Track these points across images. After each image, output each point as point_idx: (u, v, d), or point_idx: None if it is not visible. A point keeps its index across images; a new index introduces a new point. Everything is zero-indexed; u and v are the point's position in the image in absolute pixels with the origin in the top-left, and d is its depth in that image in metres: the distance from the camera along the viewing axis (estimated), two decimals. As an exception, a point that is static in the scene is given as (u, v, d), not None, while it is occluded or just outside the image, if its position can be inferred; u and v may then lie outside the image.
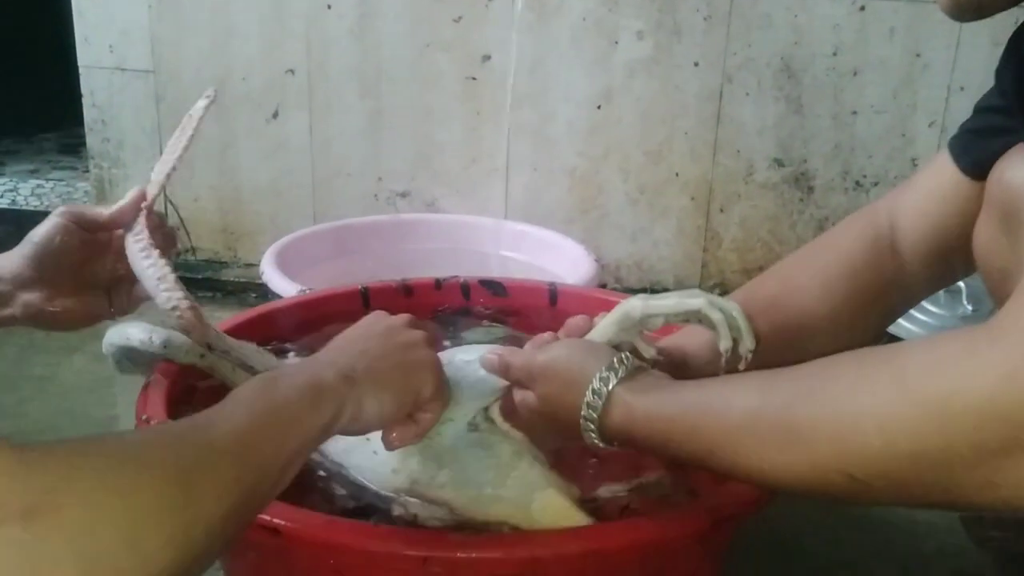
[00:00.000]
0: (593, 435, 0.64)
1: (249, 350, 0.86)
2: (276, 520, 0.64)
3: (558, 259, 1.53)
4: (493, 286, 1.18)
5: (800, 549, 1.00)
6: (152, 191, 0.74)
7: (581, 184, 1.68)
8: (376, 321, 0.68)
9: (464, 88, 1.65)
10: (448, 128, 1.68)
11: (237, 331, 0.95)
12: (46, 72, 2.28)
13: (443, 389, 0.67)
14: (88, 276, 0.83)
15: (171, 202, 1.78)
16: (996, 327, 0.47)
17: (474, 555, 0.63)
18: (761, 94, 1.58)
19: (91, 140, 1.77)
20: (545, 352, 0.69)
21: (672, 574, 0.73)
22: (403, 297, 1.15)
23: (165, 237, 0.77)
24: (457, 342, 1.08)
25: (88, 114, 1.75)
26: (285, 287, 1.28)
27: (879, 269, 0.77)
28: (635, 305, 0.70)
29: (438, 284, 1.17)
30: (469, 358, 0.74)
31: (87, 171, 1.88)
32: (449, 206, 1.73)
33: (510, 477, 0.70)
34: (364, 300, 1.13)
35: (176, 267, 1.80)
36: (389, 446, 0.65)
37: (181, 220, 1.79)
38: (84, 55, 1.71)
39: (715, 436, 0.57)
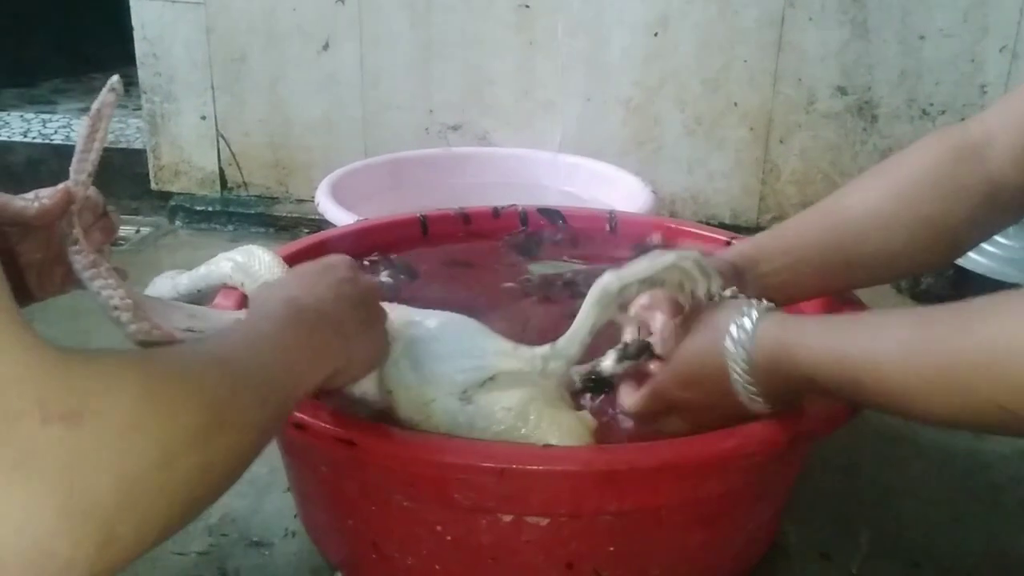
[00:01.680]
0: (751, 389, 0.63)
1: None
2: (351, 432, 0.64)
3: (613, 192, 1.51)
4: (551, 214, 1.16)
5: (867, 477, 0.99)
6: (80, 192, 0.70)
7: (636, 115, 1.64)
8: (336, 266, 0.66)
9: (517, 16, 1.62)
10: (500, 59, 1.65)
11: (296, 258, 0.95)
12: (93, 11, 2.28)
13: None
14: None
15: (223, 136, 1.78)
16: None
17: (551, 468, 0.63)
18: (824, 18, 1.53)
19: (142, 74, 1.77)
20: (665, 370, 0.70)
21: (748, 490, 0.72)
22: (462, 224, 1.14)
23: (104, 230, 0.74)
24: (522, 272, 1.07)
25: (139, 48, 1.74)
26: (342, 217, 1.28)
27: (959, 181, 0.74)
28: (610, 280, 0.67)
29: (496, 212, 1.16)
30: (433, 324, 0.72)
31: (138, 108, 1.88)
32: (501, 139, 1.71)
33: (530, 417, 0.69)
34: (423, 228, 1.12)
35: (229, 202, 1.81)
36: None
37: (233, 155, 1.79)
38: (135, -13, 1.70)
39: (864, 365, 0.57)
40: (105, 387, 0.36)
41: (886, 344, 0.57)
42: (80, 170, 0.73)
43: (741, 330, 0.63)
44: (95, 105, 0.69)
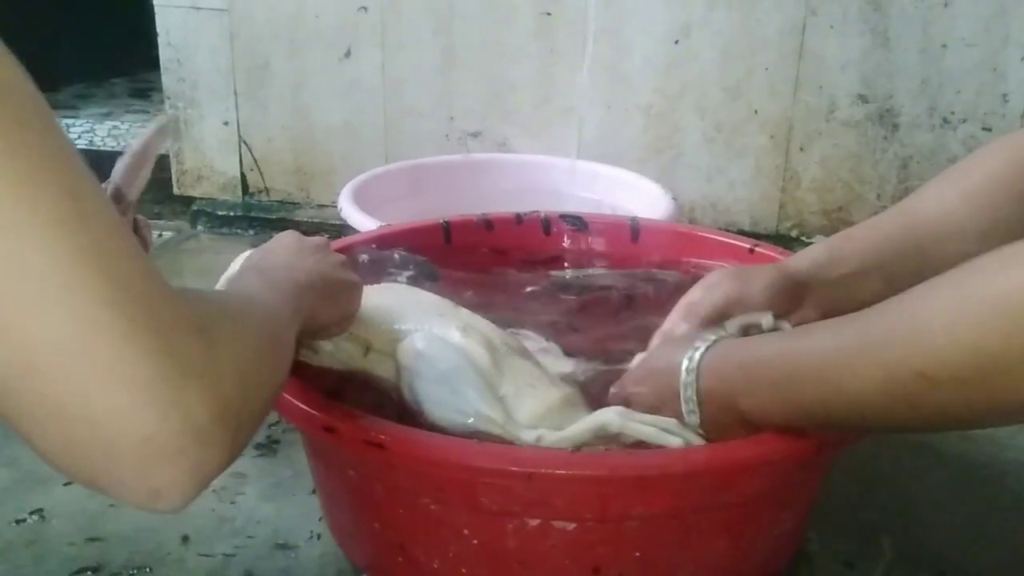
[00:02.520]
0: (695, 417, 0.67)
1: None
2: (380, 435, 0.65)
3: (634, 198, 1.51)
4: (574, 220, 1.17)
5: (891, 487, 0.99)
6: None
7: (656, 122, 1.65)
8: (303, 239, 0.74)
9: (538, 24, 1.63)
10: (521, 66, 1.66)
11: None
12: (115, 16, 2.30)
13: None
14: None
15: (245, 142, 1.79)
16: None
17: (579, 472, 0.63)
18: (846, 27, 1.53)
19: (166, 80, 1.78)
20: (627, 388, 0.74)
21: (774, 498, 0.73)
22: (484, 231, 1.15)
23: (142, 243, 0.79)
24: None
25: (163, 53, 1.76)
26: (364, 223, 1.29)
27: None
28: (612, 421, 0.69)
29: (519, 219, 1.17)
30: (437, 366, 0.75)
31: (159, 113, 1.90)
32: (520, 146, 1.72)
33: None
34: (446, 234, 1.13)
35: (251, 207, 1.83)
36: None
37: (255, 160, 1.80)
38: (159, -6, 1.72)
39: (801, 364, 0.61)
40: (213, 308, 0.45)
41: (814, 338, 0.62)
42: (136, 188, 0.77)
43: (696, 350, 0.67)
44: (140, 143, 0.72)
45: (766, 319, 0.73)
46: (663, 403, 0.69)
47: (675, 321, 0.79)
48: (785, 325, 0.75)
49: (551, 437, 0.67)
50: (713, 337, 0.68)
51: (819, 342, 0.61)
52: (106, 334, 0.36)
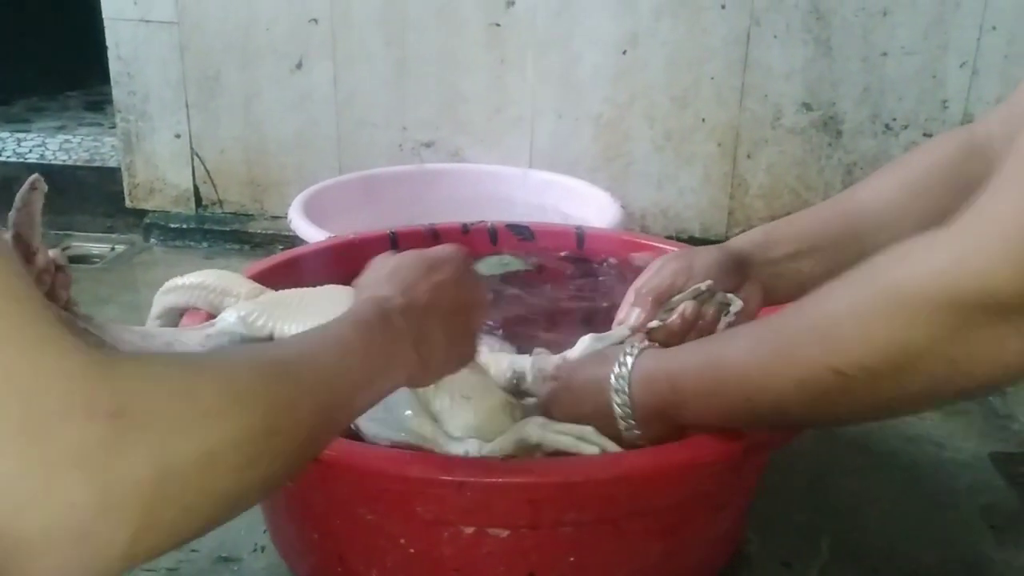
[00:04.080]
0: (628, 418, 0.68)
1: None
2: (314, 447, 0.65)
3: (584, 207, 1.53)
4: (520, 230, 1.18)
5: (830, 486, 1.01)
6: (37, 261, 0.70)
7: (606, 131, 1.67)
8: (442, 266, 0.63)
9: (488, 35, 1.64)
10: (473, 76, 1.68)
11: (265, 276, 0.96)
12: (68, 29, 2.28)
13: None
14: None
15: (197, 155, 1.79)
16: (957, 220, 0.50)
17: (508, 480, 0.64)
18: (789, 37, 1.56)
19: (117, 93, 1.78)
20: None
21: (706, 500, 0.74)
22: (431, 241, 1.15)
23: (64, 286, 0.73)
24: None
25: (113, 67, 1.75)
26: (313, 234, 1.29)
27: (965, 179, 0.76)
28: (532, 432, 0.70)
29: (465, 229, 1.18)
30: None
31: (113, 127, 1.89)
32: (474, 156, 1.73)
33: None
34: (393, 244, 1.13)
35: (204, 220, 1.82)
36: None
37: (208, 173, 1.80)
38: (108, 7, 1.71)
39: (725, 371, 0.63)
40: (149, 387, 0.38)
41: (735, 343, 0.64)
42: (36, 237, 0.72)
43: (623, 366, 0.69)
44: (17, 201, 0.69)
45: (706, 285, 0.76)
46: (600, 420, 0.70)
47: (627, 308, 0.81)
48: (734, 299, 0.78)
49: (477, 451, 0.69)
50: (636, 349, 0.69)
51: (741, 348, 0.63)
52: None
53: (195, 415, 0.40)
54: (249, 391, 0.43)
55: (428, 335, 0.59)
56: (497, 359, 0.85)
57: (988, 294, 0.47)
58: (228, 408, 0.41)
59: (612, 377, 0.68)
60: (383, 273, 0.62)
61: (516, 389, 0.82)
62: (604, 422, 0.69)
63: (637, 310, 0.80)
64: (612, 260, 1.11)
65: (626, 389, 0.67)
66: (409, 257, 0.63)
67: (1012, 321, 0.48)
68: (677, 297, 0.78)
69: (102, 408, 0.36)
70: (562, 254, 1.14)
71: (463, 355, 0.65)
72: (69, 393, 0.35)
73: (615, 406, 0.68)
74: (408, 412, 0.70)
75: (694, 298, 0.78)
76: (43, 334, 0.35)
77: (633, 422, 0.68)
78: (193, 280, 0.88)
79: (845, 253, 0.79)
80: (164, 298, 0.91)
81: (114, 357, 0.38)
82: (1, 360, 0.34)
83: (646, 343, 0.71)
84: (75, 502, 0.35)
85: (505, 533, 0.67)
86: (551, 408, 0.74)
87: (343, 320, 0.55)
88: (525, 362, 0.83)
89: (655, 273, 0.82)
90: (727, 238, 1.66)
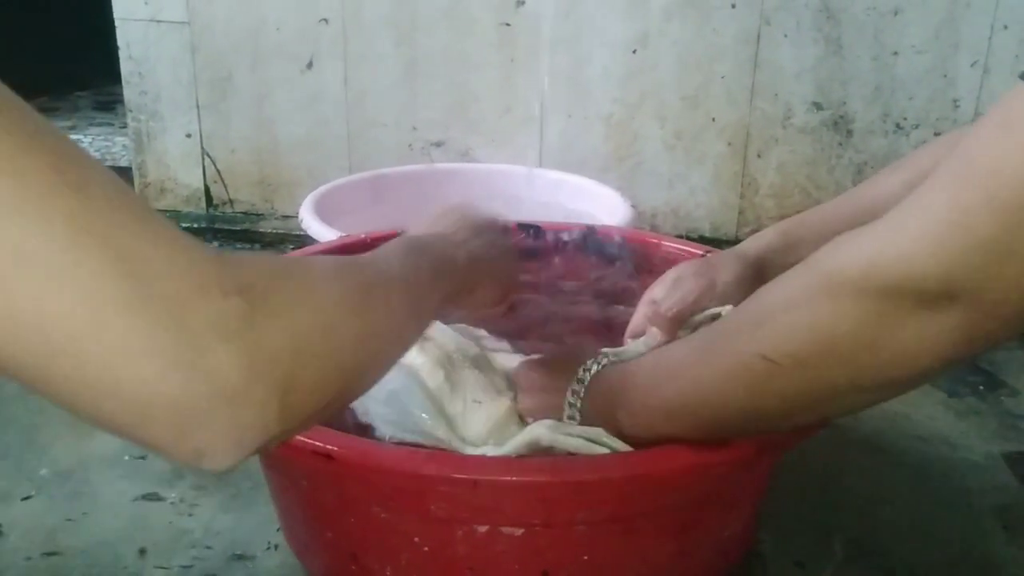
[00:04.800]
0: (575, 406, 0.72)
1: None
2: (329, 446, 0.66)
3: (594, 206, 1.53)
4: (530, 228, 1.18)
5: (841, 486, 1.01)
6: None
7: (616, 131, 1.67)
8: (476, 213, 0.73)
9: (499, 35, 1.64)
10: (483, 76, 1.68)
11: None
12: (78, 29, 2.30)
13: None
14: None
15: (208, 155, 1.79)
16: (891, 212, 0.50)
17: (522, 479, 0.64)
18: (800, 36, 1.56)
19: (128, 93, 1.78)
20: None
21: (719, 500, 0.74)
22: (442, 240, 1.16)
23: None
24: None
25: (124, 67, 1.76)
26: (324, 233, 1.29)
27: None
28: (543, 435, 0.72)
29: (476, 228, 1.18)
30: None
31: (124, 126, 1.90)
32: (484, 155, 1.73)
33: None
34: (404, 244, 1.14)
35: (215, 219, 1.83)
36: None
37: (219, 172, 1.80)
38: (119, 7, 1.72)
39: (663, 365, 0.65)
40: (267, 269, 0.42)
41: (681, 342, 0.66)
42: None
43: (575, 394, 0.71)
44: None
45: (726, 311, 0.76)
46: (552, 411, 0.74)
47: (642, 321, 0.82)
48: None
49: (491, 455, 0.69)
50: (603, 360, 0.72)
51: (683, 344, 0.64)
52: (116, 306, 0.35)
53: (311, 292, 0.44)
54: (348, 273, 0.49)
55: (477, 283, 0.67)
56: (512, 361, 0.86)
57: (911, 279, 0.47)
58: (335, 289, 0.46)
59: (569, 394, 0.71)
60: (441, 221, 0.70)
61: None
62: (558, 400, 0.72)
63: (655, 330, 0.80)
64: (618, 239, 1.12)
65: (579, 396, 0.71)
66: (463, 217, 0.71)
67: (940, 308, 0.47)
68: (697, 318, 0.78)
69: (233, 286, 0.39)
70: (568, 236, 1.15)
71: (495, 313, 0.73)
72: (202, 275, 0.38)
73: (565, 408, 0.71)
74: (424, 415, 0.71)
75: (712, 319, 0.77)
76: (165, 226, 0.38)
77: (577, 407, 0.71)
78: None
79: None
80: None
81: (221, 252, 0.42)
82: (134, 245, 0.36)
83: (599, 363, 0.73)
84: (225, 369, 0.38)
85: (519, 532, 0.67)
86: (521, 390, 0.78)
87: (420, 249, 0.61)
88: None
89: (674, 287, 0.82)
90: (737, 238, 1.68)
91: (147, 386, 0.36)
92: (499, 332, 0.95)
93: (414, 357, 0.76)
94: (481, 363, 0.82)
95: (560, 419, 0.70)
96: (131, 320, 0.36)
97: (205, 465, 0.40)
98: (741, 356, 0.56)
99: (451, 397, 0.73)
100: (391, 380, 0.74)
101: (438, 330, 0.81)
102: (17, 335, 0.35)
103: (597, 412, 0.70)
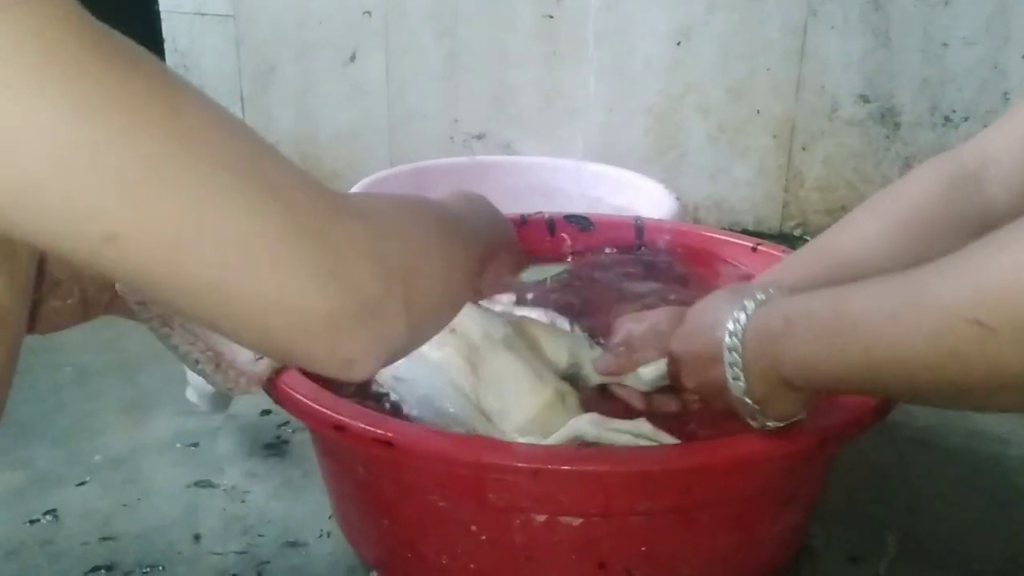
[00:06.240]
0: (737, 370, 0.62)
1: None
2: (389, 433, 0.66)
3: (638, 199, 1.52)
4: (579, 220, 1.17)
5: (893, 482, 1.00)
6: None
7: (659, 123, 1.66)
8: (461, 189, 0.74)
9: (540, 27, 1.64)
10: (524, 69, 1.68)
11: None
12: (122, 22, 2.32)
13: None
14: None
15: (251, 147, 1.80)
16: None
17: (584, 468, 0.64)
18: (847, 27, 1.54)
19: (173, 86, 1.80)
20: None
21: (777, 492, 0.73)
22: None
23: None
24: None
25: (170, 59, 1.78)
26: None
27: (955, 211, 0.72)
28: (587, 430, 0.70)
29: (523, 219, 1.17)
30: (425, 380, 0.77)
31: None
32: (524, 148, 1.73)
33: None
34: (451, 235, 1.14)
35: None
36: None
37: (261, 164, 1.82)
38: (166, 0, 1.73)
39: (847, 314, 0.55)
40: (370, 201, 0.47)
41: (862, 288, 0.56)
42: None
43: (736, 323, 0.62)
44: None
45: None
46: (705, 367, 0.66)
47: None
48: None
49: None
50: (760, 296, 0.63)
51: (868, 292, 0.55)
52: (279, 231, 0.39)
53: (412, 220, 0.49)
54: (435, 213, 0.54)
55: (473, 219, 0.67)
56: (555, 339, 0.84)
57: None
58: (430, 221, 0.52)
59: (728, 323, 0.62)
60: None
61: (574, 375, 0.81)
62: (713, 371, 0.65)
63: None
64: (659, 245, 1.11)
65: (740, 337, 0.62)
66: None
67: None
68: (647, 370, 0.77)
69: (356, 211, 0.43)
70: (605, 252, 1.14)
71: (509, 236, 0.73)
72: (327, 201, 0.42)
73: (724, 352, 0.63)
74: (458, 412, 0.71)
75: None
76: (290, 161, 0.42)
77: (740, 373, 0.62)
78: None
79: None
80: None
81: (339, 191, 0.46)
82: (280, 179, 0.40)
83: (770, 291, 0.64)
84: (367, 282, 0.42)
85: (577, 521, 0.67)
86: (670, 355, 0.73)
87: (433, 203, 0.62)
88: (583, 349, 0.82)
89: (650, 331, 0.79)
90: (781, 232, 1.66)
91: (307, 300, 0.40)
92: (565, 311, 0.94)
93: (439, 350, 0.75)
94: (513, 343, 0.79)
95: (719, 370, 0.64)
96: (292, 242, 0.39)
97: (353, 374, 0.44)
98: (947, 319, 0.48)
99: (484, 394, 0.72)
100: (420, 384, 0.74)
101: (463, 314, 0.79)
102: (202, 253, 0.38)
103: (759, 360, 0.61)
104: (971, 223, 0.71)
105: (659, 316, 0.81)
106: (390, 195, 0.53)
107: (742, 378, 0.62)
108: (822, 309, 0.58)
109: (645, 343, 0.78)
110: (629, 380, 0.79)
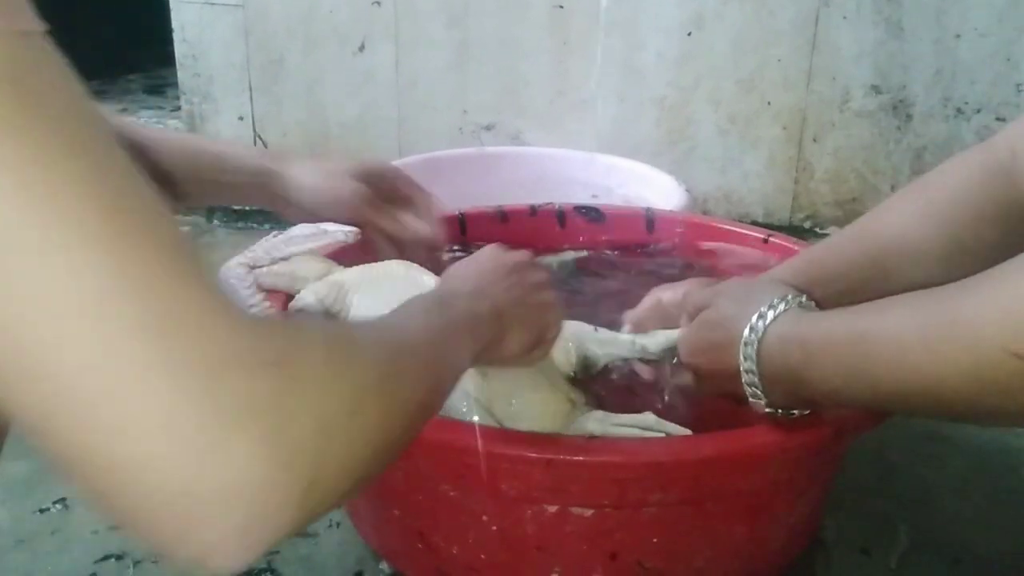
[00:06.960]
0: (756, 389, 0.64)
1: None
2: (401, 423, 0.66)
3: (648, 190, 1.51)
4: (589, 212, 1.17)
5: (903, 474, 1.00)
6: None
7: (670, 115, 1.65)
8: (503, 256, 0.69)
9: (551, 18, 1.63)
10: (534, 60, 1.67)
11: (338, 255, 0.97)
12: (129, 13, 2.32)
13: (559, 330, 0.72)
14: None
15: (260, 138, 1.80)
16: None
17: (596, 459, 0.64)
18: (859, 18, 1.53)
19: (182, 75, 1.80)
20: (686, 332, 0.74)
21: (790, 484, 0.73)
22: (499, 223, 1.16)
23: None
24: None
25: (179, 49, 1.77)
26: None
27: (991, 198, 0.71)
28: (595, 428, 0.71)
29: (533, 211, 1.17)
30: None
31: (175, 109, 1.91)
32: (534, 139, 1.72)
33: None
34: (461, 226, 1.14)
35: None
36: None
37: (270, 155, 1.81)
38: (174, -10, 1.73)
39: (875, 345, 0.56)
40: (297, 338, 0.37)
41: (890, 318, 0.55)
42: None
43: (760, 319, 0.64)
44: None
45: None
46: (724, 381, 0.67)
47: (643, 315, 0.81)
48: None
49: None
50: (781, 306, 0.64)
51: (898, 324, 0.55)
52: (137, 369, 0.31)
53: (341, 360, 0.39)
54: (373, 343, 0.44)
55: (507, 332, 0.63)
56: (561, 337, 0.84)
57: None
58: (363, 360, 0.41)
59: (742, 345, 0.64)
60: (466, 272, 0.67)
61: (583, 374, 0.81)
62: (732, 385, 0.66)
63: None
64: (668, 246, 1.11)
65: (754, 359, 0.63)
66: (488, 261, 0.68)
67: None
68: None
69: (267, 358, 0.35)
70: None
71: (534, 357, 0.68)
72: (230, 345, 0.34)
73: (740, 372, 0.64)
74: (474, 417, 0.70)
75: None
76: (205, 279, 0.34)
77: (760, 393, 0.64)
78: (280, 269, 0.90)
79: (875, 292, 0.72)
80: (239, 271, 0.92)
81: (255, 316, 0.39)
82: (171, 301, 0.33)
83: (788, 298, 0.65)
84: (248, 456, 0.33)
85: (589, 512, 0.67)
86: (687, 366, 0.74)
87: (442, 308, 0.56)
88: (592, 345, 0.82)
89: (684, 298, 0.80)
90: (791, 223, 1.66)
91: (154, 467, 0.32)
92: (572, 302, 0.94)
93: None
94: None
95: (738, 386, 0.65)
96: (152, 385, 0.31)
97: (208, 568, 0.34)
98: (985, 352, 0.48)
99: (495, 400, 0.72)
100: None
101: None
102: (29, 377, 0.31)
103: (778, 381, 0.63)
104: (1007, 211, 0.71)
105: (690, 286, 0.81)
106: (332, 329, 0.44)
107: (762, 398, 0.64)
108: (845, 340, 0.58)
109: (671, 311, 0.80)
110: (639, 342, 0.80)
